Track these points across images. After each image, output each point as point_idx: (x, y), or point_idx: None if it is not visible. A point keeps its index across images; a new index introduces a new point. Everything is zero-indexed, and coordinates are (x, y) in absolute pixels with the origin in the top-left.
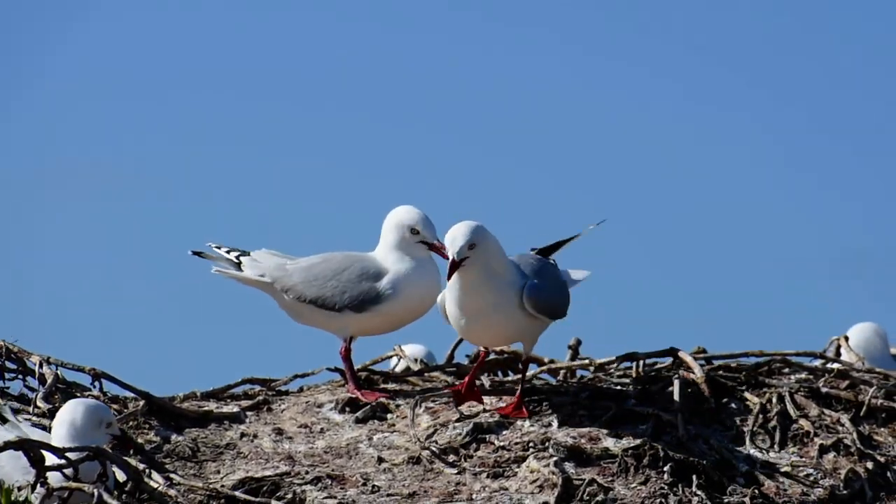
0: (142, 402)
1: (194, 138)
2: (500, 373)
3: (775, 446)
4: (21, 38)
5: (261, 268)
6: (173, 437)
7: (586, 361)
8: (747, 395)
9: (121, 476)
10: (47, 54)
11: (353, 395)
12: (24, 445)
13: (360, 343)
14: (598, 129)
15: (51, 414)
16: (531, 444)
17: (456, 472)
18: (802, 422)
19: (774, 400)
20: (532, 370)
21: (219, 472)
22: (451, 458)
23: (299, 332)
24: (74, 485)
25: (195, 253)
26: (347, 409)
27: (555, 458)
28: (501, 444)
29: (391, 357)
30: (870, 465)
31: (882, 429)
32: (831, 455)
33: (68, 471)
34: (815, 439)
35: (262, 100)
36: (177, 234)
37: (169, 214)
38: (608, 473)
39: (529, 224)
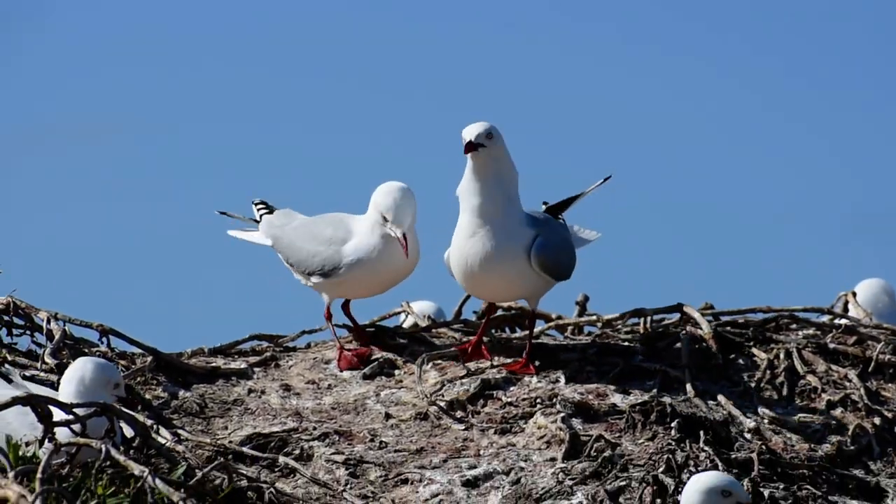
0: (149, 359)
1: (212, 90)
2: (507, 329)
3: (783, 402)
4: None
5: (269, 230)
6: (181, 393)
7: (594, 317)
8: (755, 350)
9: (128, 432)
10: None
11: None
12: (31, 401)
13: (370, 299)
14: (601, 84)
15: (58, 370)
16: (539, 401)
17: (463, 427)
18: (810, 377)
19: (782, 356)
20: (540, 326)
21: (226, 427)
22: (459, 413)
23: (306, 289)
24: (82, 440)
25: (221, 213)
26: None
27: (562, 415)
28: (509, 400)
29: (399, 313)
30: (877, 420)
31: (889, 384)
32: (839, 411)
33: (76, 426)
34: (823, 395)
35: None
36: (187, 191)
37: (181, 171)
38: (615, 429)
39: (537, 182)
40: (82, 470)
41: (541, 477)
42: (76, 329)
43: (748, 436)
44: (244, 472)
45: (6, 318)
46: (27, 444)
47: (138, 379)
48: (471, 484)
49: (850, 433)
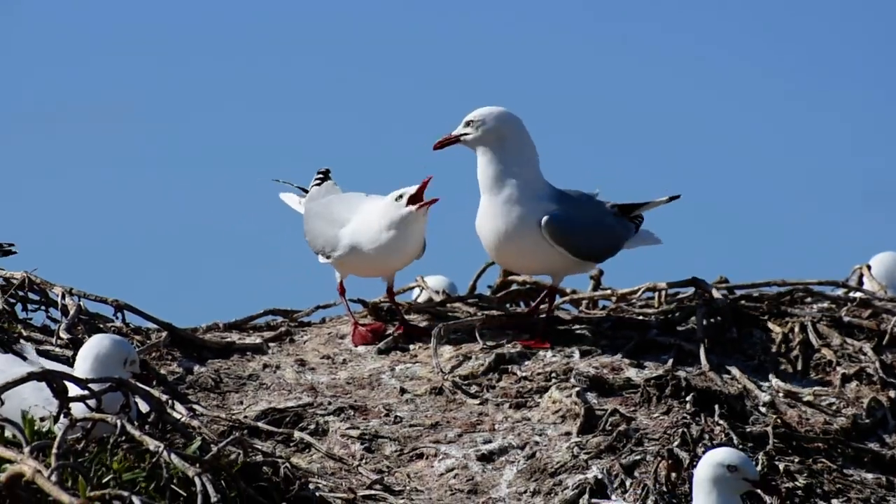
0: (164, 334)
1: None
2: (522, 303)
3: (798, 376)
4: None
5: (307, 202)
6: (196, 368)
7: (608, 292)
8: (769, 324)
9: (144, 407)
10: None
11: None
12: (47, 376)
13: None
14: (622, 62)
15: (73, 345)
16: (553, 375)
17: (478, 402)
18: (825, 351)
19: (797, 329)
20: (554, 301)
21: (241, 402)
22: (474, 388)
23: (320, 263)
24: (97, 415)
25: (276, 181)
26: None
27: (577, 389)
28: (524, 374)
29: (413, 288)
30: (892, 393)
31: None
32: (853, 384)
33: (91, 402)
34: (838, 368)
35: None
36: (203, 168)
37: (199, 148)
38: (630, 403)
39: (551, 170)
40: (98, 445)
41: (556, 451)
42: (91, 304)
43: (763, 409)
44: (259, 448)
45: (21, 293)
46: (42, 420)
47: (153, 354)
48: (486, 458)
49: (865, 406)
